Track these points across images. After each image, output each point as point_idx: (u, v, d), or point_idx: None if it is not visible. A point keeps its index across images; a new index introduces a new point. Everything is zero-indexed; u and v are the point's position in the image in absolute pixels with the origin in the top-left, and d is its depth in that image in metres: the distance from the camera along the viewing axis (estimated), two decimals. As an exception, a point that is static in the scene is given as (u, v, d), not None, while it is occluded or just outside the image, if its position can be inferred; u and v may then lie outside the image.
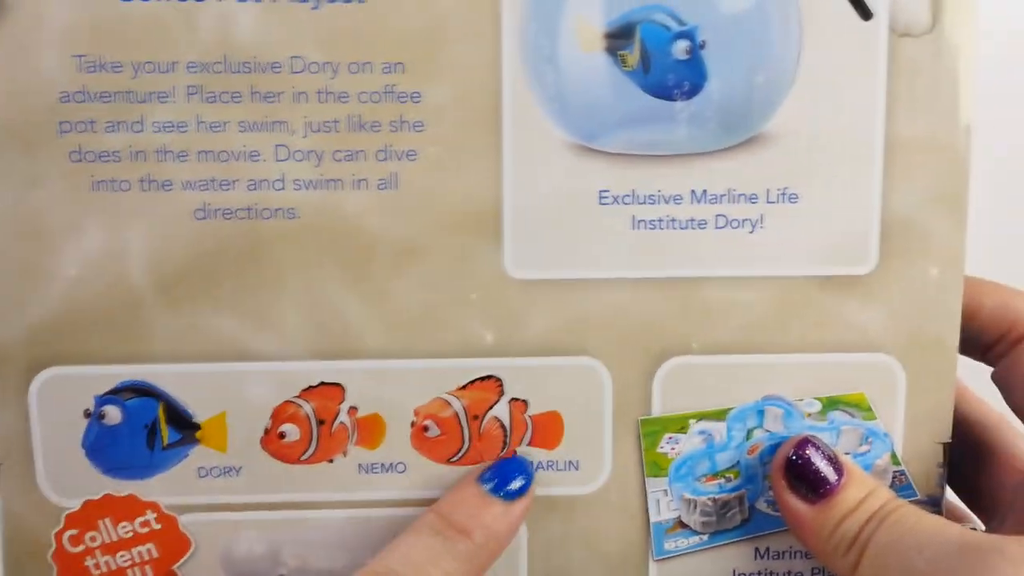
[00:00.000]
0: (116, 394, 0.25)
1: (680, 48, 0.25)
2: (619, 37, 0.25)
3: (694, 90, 0.25)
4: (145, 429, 0.26)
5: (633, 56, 0.25)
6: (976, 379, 0.29)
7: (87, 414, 0.26)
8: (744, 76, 0.25)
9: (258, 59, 0.24)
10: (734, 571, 0.27)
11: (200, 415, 0.26)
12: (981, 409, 0.29)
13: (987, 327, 0.27)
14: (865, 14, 0.25)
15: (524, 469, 0.26)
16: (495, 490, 0.25)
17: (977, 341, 0.27)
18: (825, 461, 0.25)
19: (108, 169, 0.25)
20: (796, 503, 0.25)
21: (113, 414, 0.26)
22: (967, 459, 0.28)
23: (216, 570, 0.27)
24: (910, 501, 0.27)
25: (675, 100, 0.25)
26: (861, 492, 0.25)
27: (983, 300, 0.27)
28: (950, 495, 0.29)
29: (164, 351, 0.25)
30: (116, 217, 0.25)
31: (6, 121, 0.24)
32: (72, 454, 0.26)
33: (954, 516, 0.30)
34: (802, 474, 0.25)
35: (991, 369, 0.28)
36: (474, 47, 0.25)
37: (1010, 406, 0.27)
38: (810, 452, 0.25)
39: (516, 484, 0.25)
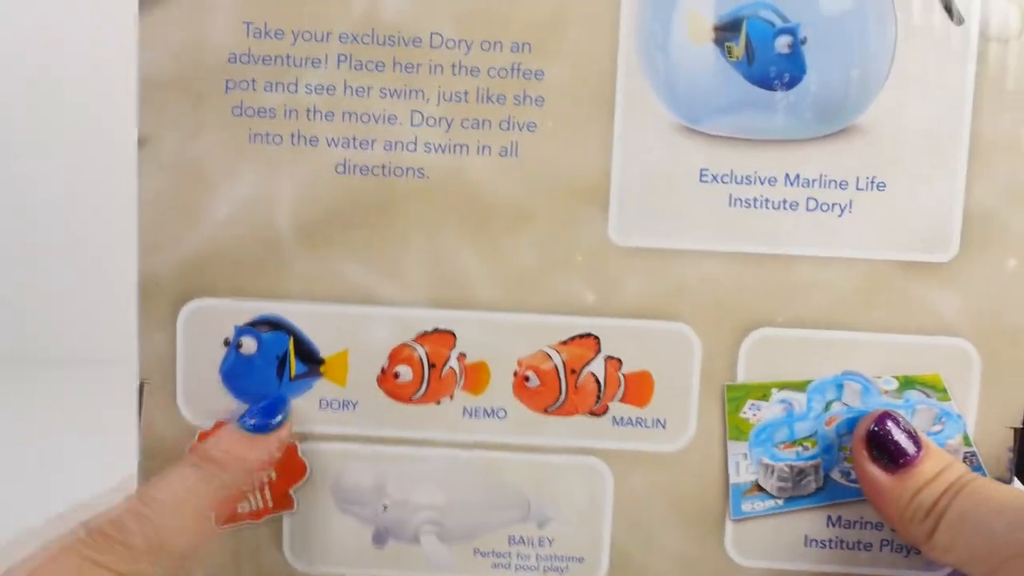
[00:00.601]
0: (253, 326, 0.28)
1: (782, 43, 0.27)
2: (727, 30, 0.27)
3: (793, 82, 0.27)
4: (276, 360, 0.28)
5: (739, 48, 0.27)
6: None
7: (226, 343, 0.28)
8: (840, 71, 0.27)
9: (402, 34, 0.27)
10: (806, 536, 0.29)
11: (325, 351, 0.29)
12: None
13: None
14: (957, 19, 0.27)
15: (274, 408, 0.28)
16: (248, 427, 0.28)
17: None
18: (905, 434, 0.27)
19: (264, 124, 0.28)
20: (876, 472, 0.27)
21: (249, 344, 0.28)
22: None
23: (327, 497, 0.29)
24: (980, 482, 0.28)
25: (775, 90, 0.27)
26: (938, 465, 0.26)
27: None
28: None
29: (298, 290, 0.28)
30: (267, 167, 0.28)
31: (180, 76, 0.27)
32: (209, 379, 0.29)
33: None
34: (883, 445, 0.27)
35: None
36: (594, 33, 0.27)
37: None
38: (891, 425, 0.27)
39: (265, 419, 0.28)
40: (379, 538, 0.29)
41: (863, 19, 0.27)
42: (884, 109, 0.27)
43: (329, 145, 0.28)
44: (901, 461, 0.27)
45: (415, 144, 0.28)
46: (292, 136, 0.28)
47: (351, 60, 0.27)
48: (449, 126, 0.28)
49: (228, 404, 0.29)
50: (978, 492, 0.25)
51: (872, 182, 0.28)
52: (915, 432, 0.27)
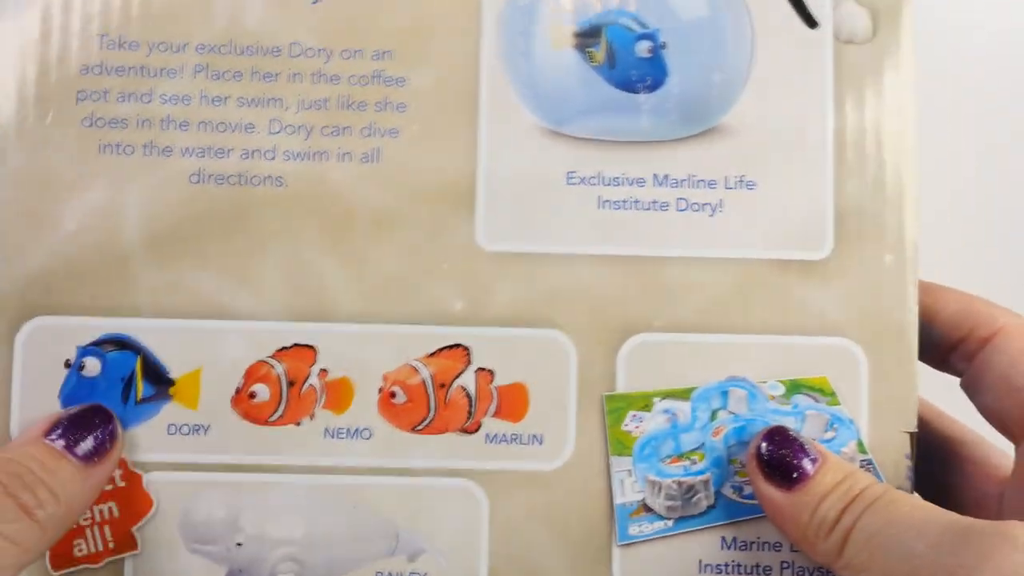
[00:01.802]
0: (98, 346, 0.26)
1: (643, 48, 0.28)
2: (587, 36, 0.28)
3: (655, 85, 0.27)
4: (121, 382, 0.26)
5: (600, 53, 0.27)
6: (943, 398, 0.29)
7: (67, 364, 0.26)
8: (702, 74, 0.28)
9: (261, 43, 0.27)
10: (700, 562, 0.27)
11: (176, 371, 0.27)
12: (955, 427, 0.29)
13: (948, 330, 0.27)
14: (811, 23, 0.28)
15: (102, 424, 0.25)
16: (82, 453, 0.24)
17: (938, 345, 0.28)
18: (797, 448, 0.25)
19: (116, 135, 0.27)
20: (772, 491, 0.25)
21: (92, 365, 0.26)
22: (948, 475, 0.28)
23: (174, 534, 0.26)
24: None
25: (639, 93, 0.27)
26: (837, 476, 0.25)
27: (941, 304, 0.28)
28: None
29: (148, 306, 0.27)
30: (117, 178, 0.27)
31: (30, 89, 0.27)
32: (48, 404, 0.26)
33: None
34: (775, 462, 0.25)
35: (957, 392, 0.28)
36: (457, 40, 0.27)
37: (981, 411, 0.27)
38: (779, 440, 0.26)
39: (90, 444, 0.24)
40: (232, 581, 0.26)
41: (720, 25, 0.28)
42: (748, 110, 0.27)
43: (183, 155, 0.27)
44: (795, 476, 0.25)
45: (273, 152, 0.27)
46: (144, 147, 0.27)
47: (208, 70, 0.27)
48: (308, 134, 0.27)
49: (68, 432, 0.26)
50: (891, 508, 0.23)
51: (741, 181, 0.27)
52: (807, 444, 0.25)
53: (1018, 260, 0.42)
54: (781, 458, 0.25)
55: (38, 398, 0.26)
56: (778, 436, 0.25)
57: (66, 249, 0.27)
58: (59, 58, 0.27)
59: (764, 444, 0.25)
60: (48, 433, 0.24)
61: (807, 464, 0.25)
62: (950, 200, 0.43)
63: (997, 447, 0.29)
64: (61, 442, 0.24)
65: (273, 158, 0.27)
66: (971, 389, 0.27)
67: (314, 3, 0.27)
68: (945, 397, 0.29)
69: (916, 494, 0.27)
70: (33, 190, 0.27)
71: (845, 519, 0.24)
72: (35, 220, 0.27)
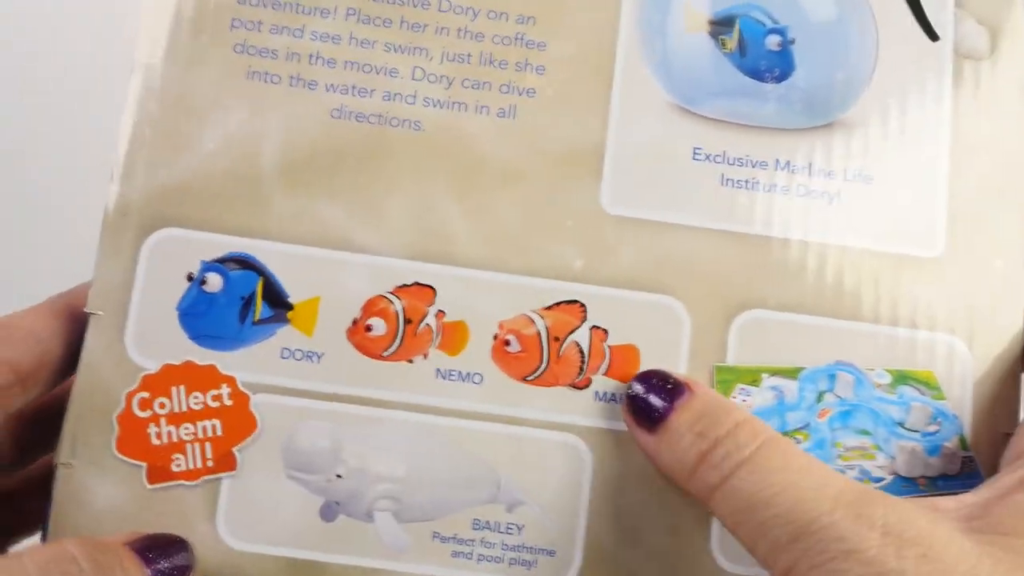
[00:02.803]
0: (222, 263, 0.27)
1: (772, 41, 0.29)
2: (721, 24, 0.29)
3: (783, 76, 0.29)
4: (241, 300, 0.27)
5: (732, 41, 0.29)
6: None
7: (189, 277, 0.27)
8: (826, 71, 0.29)
9: (413, -4, 0.28)
10: (798, 542, 0.26)
11: (295, 296, 0.27)
12: None
13: None
14: (932, 36, 0.29)
15: (182, 553, 0.25)
16: (150, 568, 0.24)
17: None
18: (656, 390, 0.25)
19: (264, 63, 0.28)
20: (640, 435, 0.25)
21: (214, 281, 0.27)
22: None
23: (275, 458, 0.26)
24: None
25: (766, 82, 0.29)
26: (698, 412, 0.24)
27: None
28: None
29: (275, 230, 0.27)
30: (261, 104, 0.28)
31: (188, 10, 0.28)
32: (165, 315, 0.26)
33: None
34: (634, 406, 0.25)
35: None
36: (596, 13, 0.29)
37: None
38: (639, 384, 0.25)
39: (171, 568, 0.24)
40: (328, 512, 0.26)
41: (846, 29, 0.29)
42: (868, 109, 0.29)
43: (327, 90, 0.28)
44: (655, 413, 0.25)
45: (414, 97, 0.28)
46: (291, 78, 0.28)
47: (360, 14, 0.28)
48: (450, 84, 0.28)
49: (182, 345, 0.26)
50: (783, 460, 0.22)
51: (859, 175, 0.28)
52: (670, 379, 0.25)
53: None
54: (643, 398, 0.25)
55: (156, 309, 0.26)
56: (645, 376, 0.25)
57: (202, 166, 0.27)
58: (217, -13, 0.28)
59: (633, 384, 0.25)
60: (133, 545, 0.24)
61: (664, 402, 0.25)
62: None
63: None
64: (145, 559, 0.24)
65: (413, 103, 0.28)
66: None
67: (466, -35, 0.28)
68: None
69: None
70: (178, 107, 0.27)
71: (720, 462, 0.23)
72: (175, 135, 0.27)
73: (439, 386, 0.27)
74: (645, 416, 0.25)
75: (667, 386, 0.25)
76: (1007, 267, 0.28)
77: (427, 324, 0.27)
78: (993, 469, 0.27)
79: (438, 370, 0.27)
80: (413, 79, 0.28)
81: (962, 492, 0.26)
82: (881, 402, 0.27)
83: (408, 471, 0.26)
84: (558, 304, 0.27)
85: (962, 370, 0.27)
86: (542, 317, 0.27)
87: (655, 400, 0.25)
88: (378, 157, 0.27)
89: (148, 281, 0.26)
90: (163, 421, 0.26)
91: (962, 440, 0.27)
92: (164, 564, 0.24)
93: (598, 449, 0.26)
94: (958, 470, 0.27)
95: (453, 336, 0.27)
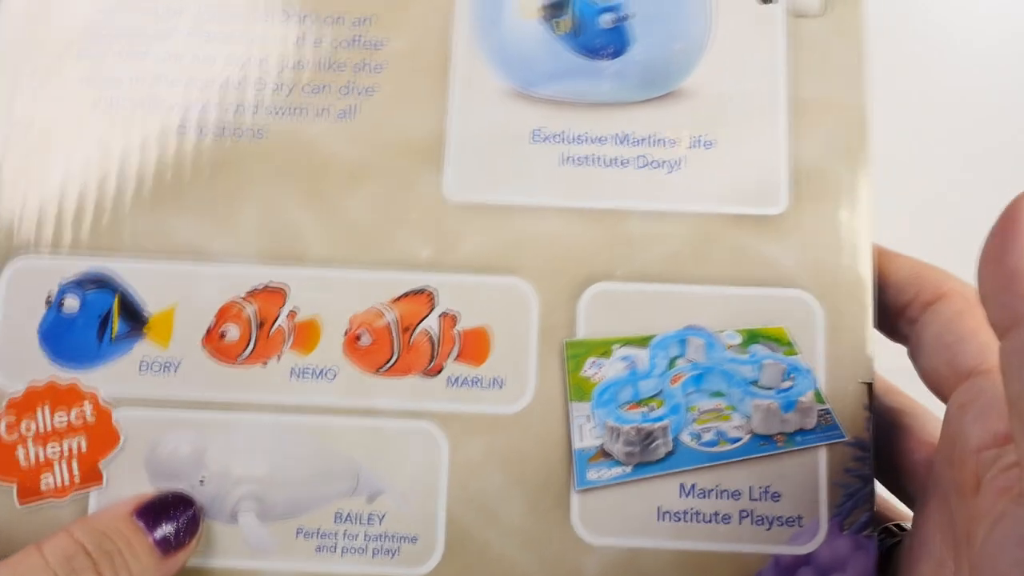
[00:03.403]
0: (79, 284, 0.28)
1: (606, 19, 0.29)
2: (555, 8, 0.29)
3: (618, 53, 0.29)
4: (98, 319, 0.27)
5: (566, 23, 0.29)
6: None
7: (48, 301, 0.28)
8: (663, 44, 0.29)
9: (252, 10, 0.29)
10: (659, 509, 0.27)
11: (152, 309, 0.28)
12: (904, 400, 0.29)
13: (895, 294, 0.28)
14: (765, -1, 0.29)
15: (185, 511, 0.26)
16: (154, 536, 0.25)
17: (886, 309, 0.28)
18: None
19: (109, 92, 0.29)
20: None
21: (72, 303, 0.28)
22: (889, 446, 0.28)
23: (138, 469, 0.27)
24: (837, 443, 0.27)
25: (602, 59, 0.29)
26: None
27: (892, 267, 0.28)
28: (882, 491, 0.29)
29: (129, 247, 0.28)
30: (109, 130, 0.28)
31: (35, 48, 0.29)
32: (27, 340, 0.27)
33: (891, 513, 0.29)
34: None
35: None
36: (432, 8, 0.29)
37: (921, 377, 0.27)
38: None
39: (172, 531, 0.25)
40: (193, 517, 0.27)
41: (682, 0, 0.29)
42: (706, 76, 0.29)
43: (171, 109, 0.29)
44: None
45: (256, 107, 0.29)
46: (137, 101, 0.29)
47: (200, 31, 0.29)
48: (290, 91, 0.29)
49: (44, 367, 0.27)
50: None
51: (699, 141, 0.28)
52: None
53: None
54: None
55: (18, 334, 0.27)
56: None
57: (55, 194, 0.28)
58: (60, 19, 0.29)
59: None
60: (138, 513, 0.25)
61: None
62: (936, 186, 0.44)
63: (934, 415, 0.28)
64: (150, 527, 0.25)
65: (256, 112, 0.29)
66: (913, 355, 0.27)
67: (300, -24, 0.29)
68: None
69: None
70: (27, 138, 0.28)
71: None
72: (26, 165, 0.28)
73: (294, 385, 0.27)
74: None
75: None
76: (852, 219, 0.28)
77: (279, 325, 0.27)
78: (851, 419, 0.27)
79: (292, 369, 0.27)
80: (255, 90, 0.29)
81: (820, 446, 0.26)
82: (733, 363, 0.27)
83: (268, 471, 0.27)
84: (407, 294, 0.28)
85: (813, 324, 0.27)
86: (392, 309, 0.28)
87: None
88: (225, 168, 0.28)
89: (8, 308, 0.27)
90: (30, 442, 0.27)
91: (817, 394, 0.27)
92: (169, 528, 0.25)
93: (453, 433, 0.27)
94: (815, 424, 0.27)
95: (305, 335, 0.27)
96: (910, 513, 0.28)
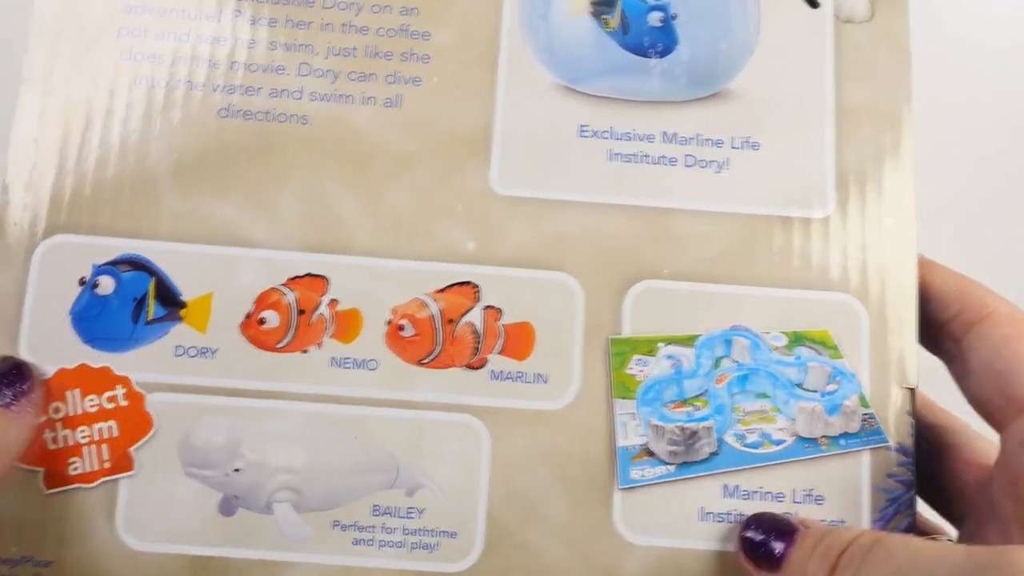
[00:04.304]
0: (114, 265, 0.27)
1: (654, 17, 0.29)
2: (603, 4, 0.29)
3: (666, 51, 0.29)
4: (134, 302, 0.27)
5: (614, 20, 0.29)
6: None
7: (82, 282, 0.27)
8: (710, 43, 0.29)
9: (296, -5, 0.29)
10: (701, 509, 0.26)
11: (188, 294, 0.27)
12: (944, 416, 0.29)
13: (938, 308, 0.27)
14: (812, 4, 0.30)
15: (20, 377, 0.25)
16: None
17: (928, 322, 0.28)
18: (771, 528, 0.25)
19: (151, 69, 0.28)
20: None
21: (107, 284, 0.27)
22: (934, 463, 0.28)
23: (172, 457, 0.26)
24: (880, 447, 0.26)
25: (650, 57, 0.29)
26: (814, 540, 0.24)
27: (937, 280, 0.28)
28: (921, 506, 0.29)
29: (166, 230, 0.27)
30: (149, 109, 0.28)
31: (76, 23, 0.28)
32: (59, 321, 0.27)
33: (927, 529, 0.29)
34: (756, 547, 0.25)
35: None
36: (479, 2, 0.29)
37: (967, 398, 0.27)
38: (758, 524, 0.26)
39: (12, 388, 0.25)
40: (227, 507, 0.26)
41: (729, 1, 0.29)
42: (752, 78, 0.29)
43: (213, 91, 0.28)
44: (776, 554, 0.25)
45: (301, 93, 0.28)
46: (178, 81, 0.28)
47: (244, 15, 0.29)
48: (336, 78, 0.28)
49: (76, 349, 0.26)
50: (894, 553, 0.22)
51: (746, 142, 0.28)
52: (782, 521, 0.25)
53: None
54: (763, 541, 0.25)
55: (50, 314, 0.27)
56: (756, 522, 0.26)
57: (92, 172, 0.27)
58: (103, -1, 0.28)
59: (747, 532, 0.25)
60: None
61: (782, 542, 0.25)
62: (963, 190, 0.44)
63: (981, 434, 0.29)
64: None
65: (300, 98, 0.28)
66: (957, 375, 0.27)
67: (348, -37, 0.29)
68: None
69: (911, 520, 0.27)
70: (67, 115, 0.28)
71: (842, 574, 0.23)
72: (64, 144, 0.27)
73: (334, 374, 0.27)
74: (766, 558, 0.25)
75: (778, 524, 0.25)
76: (896, 224, 0.28)
77: (320, 314, 0.27)
78: (895, 424, 0.27)
79: (333, 358, 0.27)
80: (299, 75, 0.28)
81: (864, 450, 0.26)
82: (778, 364, 0.27)
83: (306, 461, 0.26)
84: (451, 286, 0.27)
85: (858, 328, 0.27)
86: (435, 300, 0.27)
87: (775, 539, 0.25)
88: (267, 153, 0.28)
89: (41, 288, 0.27)
90: (59, 426, 0.26)
91: (862, 398, 0.27)
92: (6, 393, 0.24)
93: (495, 428, 0.26)
94: (859, 427, 0.27)
95: (347, 324, 0.27)
96: (942, 526, 0.28)
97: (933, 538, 0.28)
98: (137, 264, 0.27)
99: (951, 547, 0.21)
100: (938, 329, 0.27)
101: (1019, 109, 0.48)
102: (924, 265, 0.28)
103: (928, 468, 0.28)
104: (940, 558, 0.21)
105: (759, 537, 0.25)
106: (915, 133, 0.29)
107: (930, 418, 0.29)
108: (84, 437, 0.26)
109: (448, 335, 0.27)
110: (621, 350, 0.27)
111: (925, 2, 0.31)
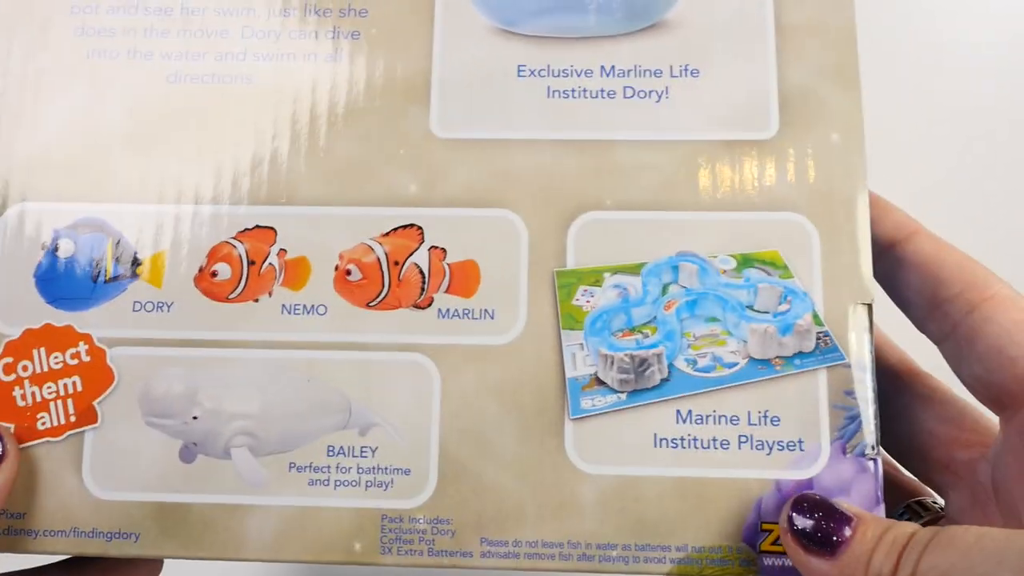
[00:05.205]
0: (73, 229, 0.28)
1: (590, -45, 0.29)
2: (537, -53, 0.29)
3: (603, -13, 0.29)
4: (92, 262, 0.28)
5: (549, -39, 0.29)
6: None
7: (43, 246, 0.28)
8: (646, -23, 0.29)
9: (238, -38, 0.30)
10: (655, 436, 0.26)
11: (144, 252, 0.28)
12: (903, 357, 0.29)
13: (938, 284, 0.26)
14: (749, -72, 0.29)
15: None
16: None
17: (924, 296, 0.27)
18: (830, 512, 0.24)
19: (103, 42, 0.29)
20: (817, 563, 0.24)
21: (67, 246, 0.28)
22: (902, 416, 0.28)
23: (133, 408, 0.27)
24: (839, 364, 0.26)
25: (586, -5, 0.29)
26: (879, 529, 0.23)
27: (940, 256, 0.27)
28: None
29: (122, 193, 0.28)
30: (102, 79, 0.29)
31: (28, 4, 0.29)
32: (24, 284, 0.28)
33: (903, 487, 0.28)
34: (811, 532, 0.24)
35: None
36: (415, -47, 0.29)
37: (965, 379, 0.26)
38: (810, 507, 0.24)
39: None
40: (187, 454, 0.27)
41: (663, -66, 0.29)
42: (691, 6, 0.29)
43: (162, 58, 0.29)
44: (836, 540, 0.23)
45: (244, 55, 0.29)
46: (128, 52, 0.29)
47: (189, -15, 0.29)
48: (277, 38, 0.29)
49: (40, 310, 0.28)
50: (957, 541, 0.21)
51: (685, 69, 0.28)
52: (838, 505, 0.24)
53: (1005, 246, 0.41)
54: (817, 527, 0.24)
55: (15, 277, 0.28)
56: (807, 503, 0.24)
57: (51, 142, 0.28)
58: (57, -20, 0.30)
59: (795, 515, 0.24)
60: None
61: (845, 527, 0.23)
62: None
63: (948, 388, 0.28)
64: None
65: (244, 59, 0.29)
66: (954, 355, 0.26)
67: (287, -73, 0.30)
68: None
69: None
70: (23, 90, 0.29)
71: (904, 566, 0.22)
72: (22, 116, 0.29)
73: (286, 321, 0.27)
74: (823, 543, 0.24)
75: (836, 509, 0.24)
76: (844, 140, 0.27)
77: (270, 263, 0.27)
78: (855, 342, 0.26)
79: (283, 306, 0.27)
80: (242, 38, 0.29)
81: (820, 368, 0.25)
82: (727, 287, 0.27)
83: (261, 406, 0.27)
84: (395, 230, 0.28)
85: (808, 247, 0.27)
86: (381, 244, 0.28)
87: (837, 524, 0.24)
88: (215, 114, 0.29)
89: (5, 253, 0.28)
90: (27, 383, 0.27)
91: (815, 316, 0.26)
92: None
93: (444, 365, 0.27)
94: (813, 346, 0.26)
95: (296, 272, 0.27)
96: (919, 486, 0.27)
97: (918, 502, 0.28)
98: (96, 226, 0.28)
99: (1018, 533, 0.21)
100: (934, 307, 0.26)
101: (1013, 99, 0.47)
102: (923, 237, 0.27)
103: (896, 421, 0.28)
104: (1009, 541, 0.20)
105: (811, 521, 0.24)
106: (860, 51, 0.28)
107: (890, 358, 0.29)
108: (50, 393, 0.27)
109: (394, 277, 0.27)
110: (567, 282, 0.27)
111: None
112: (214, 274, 0.27)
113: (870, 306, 0.26)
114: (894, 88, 0.48)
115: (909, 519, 0.28)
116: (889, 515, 0.27)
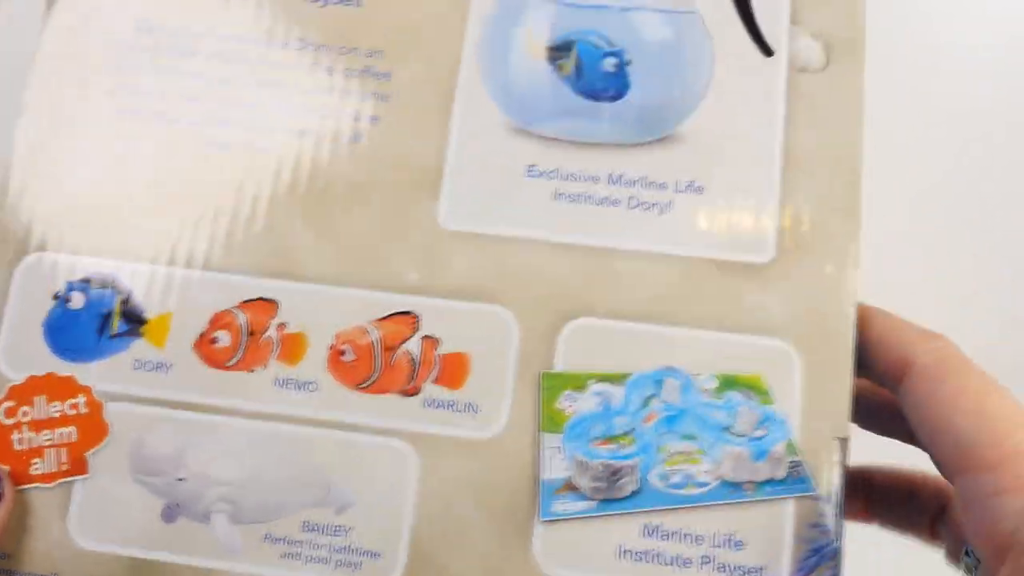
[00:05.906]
0: (86, 282, 0.29)
1: (609, 63, 0.30)
2: (559, 50, 0.30)
3: (618, 96, 0.30)
4: (100, 317, 0.29)
5: (569, 64, 0.30)
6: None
7: (55, 296, 0.29)
8: (662, 89, 0.30)
9: (272, 38, 0.31)
10: (620, 547, 0.27)
11: (151, 312, 0.29)
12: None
13: (873, 359, 0.27)
14: (767, 52, 0.30)
15: None
16: None
17: (870, 369, 0.27)
18: None
19: (136, 102, 0.30)
20: None
21: (77, 299, 0.29)
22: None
23: (122, 463, 0.28)
24: (807, 496, 0.26)
25: (601, 102, 0.30)
26: None
27: (871, 329, 0.27)
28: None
29: (136, 252, 0.29)
30: (131, 139, 0.30)
31: (75, 54, 0.31)
32: (32, 331, 0.29)
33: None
34: None
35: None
36: (441, 45, 0.30)
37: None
38: None
39: None
40: (169, 514, 0.28)
41: (682, 47, 0.30)
42: (702, 122, 0.29)
43: (190, 124, 0.30)
44: None
45: (270, 128, 0.30)
46: (158, 114, 0.30)
47: (222, 56, 0.31)
48: (303, 114, 0.30)
49: (45, 358, 0.29)
50: None
51: (690, 185, 0.29)
52: None
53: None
54: None
55: (25, 324, 0.29)
56: None
57: (75, 196, 0.30)
58: (98, 33, 0.31)
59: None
60: None
61: None
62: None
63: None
64: None
65: (267, 131, 0.30)
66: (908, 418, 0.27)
67: (322, 6, 0.31)
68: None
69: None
70: (57, 143, 0.30)
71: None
72: (52, 168, 0.30)
73: (277, 394, 0.28)
74: None
75: None
76: (837, 272, 0.28)
77: (269, 336, 0.28)
78: (826, 472, 0.27)
79: (277, 379, 0.28)
80: (269, 111, 0.30)
81: (788, 498, 0.26)
82: (708, 407, 0.27)
83: (244, 475, 0.28)
84: (392, 315, 0.28)
85: (791, 374, 0.27)
86: (376, 328, 0.28)
87: None
88: (232, 183, 0.30)
89: (19, 300, 0.29)
90: (26, 428, 0.28)
91: (790, 445, 0.27)
92: None
93: (424, 454, 0.27)
94: (785, 475, 0.27)
95: (292, 347, 0.28)
96: None
97: None
98: (107, 282, 0.29)
99: None
100: (879, 377, 0.27)
101: (1010, 101, 0.47)
102: (862, 312, 0.28)
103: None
104: None
105: None
106: (866, 181, 0.29)
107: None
108: (46, 440, 0.28)
109: (386, 362, 0.28)
110: (552, 384, 0.28)
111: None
112: (214, 340, 0.28)
113: (845, 440, 0.27)
114: (892, 90, 0.47)
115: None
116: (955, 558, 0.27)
